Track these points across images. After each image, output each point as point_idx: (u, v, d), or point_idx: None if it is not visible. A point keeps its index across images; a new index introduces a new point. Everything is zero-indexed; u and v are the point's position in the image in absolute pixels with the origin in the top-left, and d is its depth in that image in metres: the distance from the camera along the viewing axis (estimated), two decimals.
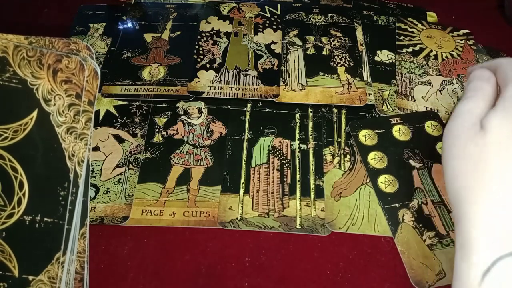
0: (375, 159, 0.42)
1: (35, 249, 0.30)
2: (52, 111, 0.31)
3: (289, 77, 0.49)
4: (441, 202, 0.40)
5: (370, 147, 0.43)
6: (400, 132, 0.44)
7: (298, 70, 0.50)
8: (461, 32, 0.56)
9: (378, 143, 0.43)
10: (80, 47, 0.32)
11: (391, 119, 0.45)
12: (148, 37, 0.54)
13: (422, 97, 0.49)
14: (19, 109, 0.30)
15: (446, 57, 0.53)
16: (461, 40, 0.55)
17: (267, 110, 0.47)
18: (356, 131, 0.44)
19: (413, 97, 0.48)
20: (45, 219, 0.30)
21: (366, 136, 0.43)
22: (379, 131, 0.44)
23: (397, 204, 0.40)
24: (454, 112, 0.29)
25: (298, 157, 0.44)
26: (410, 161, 0.42)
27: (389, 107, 0.47)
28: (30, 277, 0.30)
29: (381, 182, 0.41)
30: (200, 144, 0.44)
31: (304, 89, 0.48)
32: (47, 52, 0.30)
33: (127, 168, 0.42)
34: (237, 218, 0.39)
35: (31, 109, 0.30)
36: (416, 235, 0.38)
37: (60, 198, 0.31)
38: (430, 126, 0.45)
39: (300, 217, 0.40)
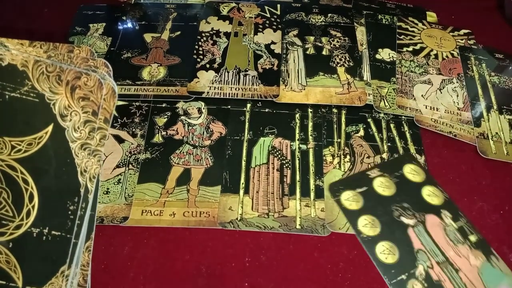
0: (367, 225, 0.39)
1: (41, 261, 0.31)
2: (68, 127, 0.31)
3: (288, 77, 0.49)
4: (446, 261, 0.37)
5: (358, 212, 0.40)
6: (383, 186, 0.41)
7: (298, 70, 0.50)
8: (462, 31, 0.56)
9: (364, 205, 0.40)
10: (99, 64, 0.32)
11: (369, 172, 0.42)
12: (148, 37, 0.54)
13: (422, 95, 0.48)
14: (35, 122, 0.31)
15: (447, 56, 0.53)
16: (462, 39, 0.55)
17: (267, 110, 0.47)
18: (337, 194, 0.41)
19: (413, 95, 0.48)
20: (53, 232, 0.31)
21: (350, 199, 0.41)
22: (361, 190, 0.41)
23: (403, 276, 0.37)
24: None
25: (298, 157, 0.44)
26: (402, 218, 0.39)
27: (387, 104, 0.47)
28: None
29: (380, 253, 0.38)
30: (200, 144, 0.44)
31: (304, 89, 0.48)
32: (67, 69, 0.31)
33: (127, 168, 0.42)
34: (237, 219, 0.39)
35: (46, 123, 0.31)
36: None
37: (69, 212, 0.31)
38: (410, 172, 0.42)
39: (300, 218, 0.40)
